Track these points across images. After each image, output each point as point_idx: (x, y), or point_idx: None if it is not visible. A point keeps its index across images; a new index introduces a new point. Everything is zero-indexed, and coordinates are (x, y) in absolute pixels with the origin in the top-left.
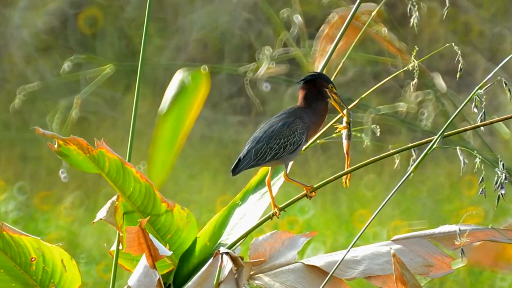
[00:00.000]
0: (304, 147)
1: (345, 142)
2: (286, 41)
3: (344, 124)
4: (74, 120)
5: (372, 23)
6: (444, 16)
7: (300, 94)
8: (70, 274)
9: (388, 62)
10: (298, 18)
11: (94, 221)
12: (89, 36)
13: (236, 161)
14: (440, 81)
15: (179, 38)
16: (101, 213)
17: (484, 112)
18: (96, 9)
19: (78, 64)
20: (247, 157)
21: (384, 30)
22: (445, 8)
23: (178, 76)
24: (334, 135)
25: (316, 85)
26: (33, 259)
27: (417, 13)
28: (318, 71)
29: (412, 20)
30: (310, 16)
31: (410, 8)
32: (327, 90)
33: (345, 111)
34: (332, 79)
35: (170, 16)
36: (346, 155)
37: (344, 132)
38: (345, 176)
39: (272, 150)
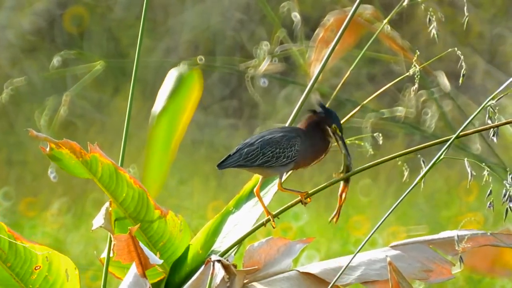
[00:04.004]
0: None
1: (341, 185)
2: (282, 39)
3: (342, 168)
4: (62, 120)
5: (373, 20)
6: (465, 27)
7: (305, 121)
8: (71, 284)
9: (391, 61)
10: (296, 16)
11: (92, 229)
12: (77, 37)
13: (225, 157)
14: (444, 80)
15: (169, 39)
16: (99, 220)
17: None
18: (83, 10)
19: (65, 63)
20: (237, 154)
21: (387, 27)
22: (465, 17)
23: (172, 75)
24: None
25: (319, 122)
26: (38, 267)
27: (435, 23)
28: (327, 105)
29: (430, 29)
30: (305, 17)
31: (429, 19)
32: (329, 129)
33: (344, 154)
34: (331, 82)
35: (159, 16)
36: (338, 197)
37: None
38: (334, 215)
39: (265, 156)
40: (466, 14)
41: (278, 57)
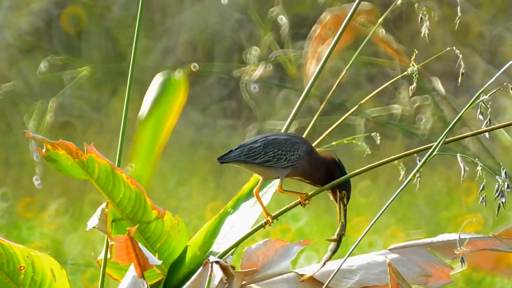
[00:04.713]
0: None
1: (328, 254)
2: (270, 43)
3: (335, 236)
4: (59, 121)
5: (368, 23)
6: (456, 27)
7: (323, 157)
8: (59, 283)
9: (386, 65)
10: (283, 19)
11: (86, 230)
12: (74, 37)
13: (227, 151)
14: (439, 85)
15: (167, 40)
16: (93, 221)
17: (489, 119)
18: (81, 9)
19: (63, 66)
20: (239, 150)
21: (382, 31)
22: (457, 18)
23: (157, 80)
24: (333, 143)
25: (334, 174)
26: (22, 267)
27: (427, 22)
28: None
29: (423, 30)
30: (303, 17)
31: (421, 18)
32: (338, 192)
33: (341, 224)
34: (328, 83)
35: (157, 16)
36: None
37: (332, 245)
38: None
39: (266, 155)
40: (459, 14)
41: (272, 62)
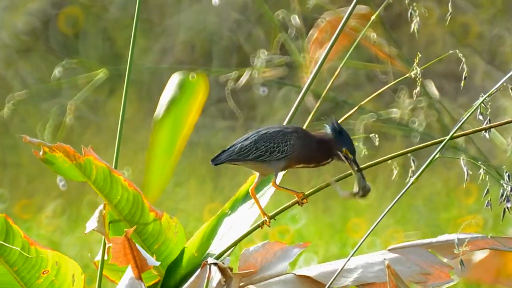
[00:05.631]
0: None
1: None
2: (284, 42)
3: (358, 189)
4: (58, 123)
5: (360, 27)
6: (447, 23)
7: (319, 133)
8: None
9: (377, 69)
10: (295, 19)
11: (85, 232)
12: (72, 38)
13: (219, 152)
14: (432, 89)
15: (165, 40)
16: (92, 224)
17: (489, 120)
18: (78, 10)
19: (62, 67)
20: (230, 150)
21: (373, 35)
22: (448, 14)
23: (174, 80)
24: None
25: (330, 143)
26: (46, 272)
27: (418, 18)
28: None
29: (412, 26)
30: (303, 17)
31: (410, 13)
32: (340, 154)
33: (358, 178)
34: (328, 83)
35: (155, 16)
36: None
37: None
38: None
39: (258, 150)
40: (450, 10)
41: (274, 64)
